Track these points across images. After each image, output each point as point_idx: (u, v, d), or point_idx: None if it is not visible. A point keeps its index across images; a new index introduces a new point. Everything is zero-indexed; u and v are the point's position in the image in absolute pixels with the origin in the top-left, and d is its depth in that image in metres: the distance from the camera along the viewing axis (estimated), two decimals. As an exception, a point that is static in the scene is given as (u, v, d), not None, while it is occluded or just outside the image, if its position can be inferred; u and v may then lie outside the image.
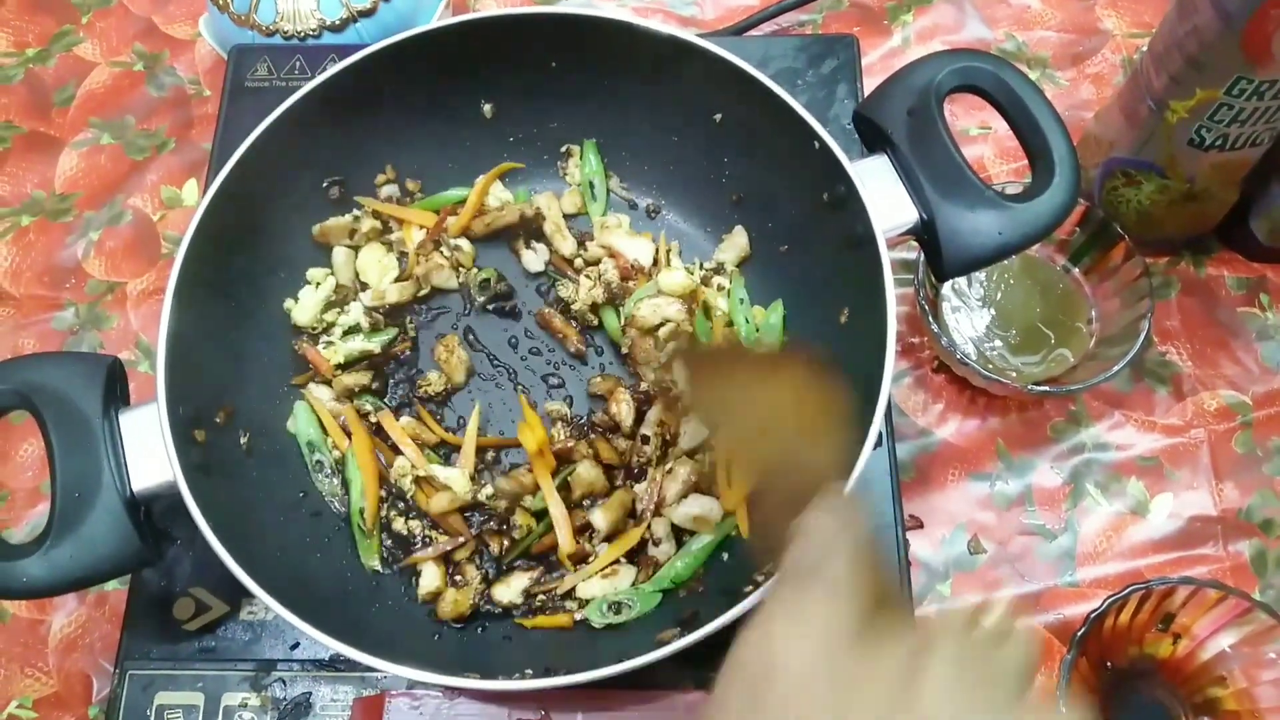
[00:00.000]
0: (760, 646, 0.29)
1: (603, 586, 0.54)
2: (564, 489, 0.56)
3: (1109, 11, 0.77)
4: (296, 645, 0.54)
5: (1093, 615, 0.51)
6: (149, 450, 0.46)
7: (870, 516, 0.44)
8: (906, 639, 0.29)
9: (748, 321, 0.60)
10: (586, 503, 0.56)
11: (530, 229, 0.64)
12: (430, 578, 0.54)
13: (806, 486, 0.35)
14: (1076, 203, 0.50)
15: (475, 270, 0.63)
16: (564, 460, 0.56)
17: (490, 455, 0.59)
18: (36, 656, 0.60)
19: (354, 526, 0.56)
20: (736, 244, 0.62)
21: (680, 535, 0.55)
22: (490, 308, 0.62)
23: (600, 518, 0.54)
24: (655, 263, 0.62)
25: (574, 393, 0.60)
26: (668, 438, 0.57)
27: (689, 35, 0.55)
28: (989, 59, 0.51)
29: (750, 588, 0.45)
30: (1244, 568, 0.60)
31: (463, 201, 0.63)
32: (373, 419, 0.59)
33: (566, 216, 0.65)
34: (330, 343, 0.60)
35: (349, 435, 0.57)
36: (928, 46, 0.76)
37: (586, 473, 0.56)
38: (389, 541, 0.56)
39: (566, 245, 0.63)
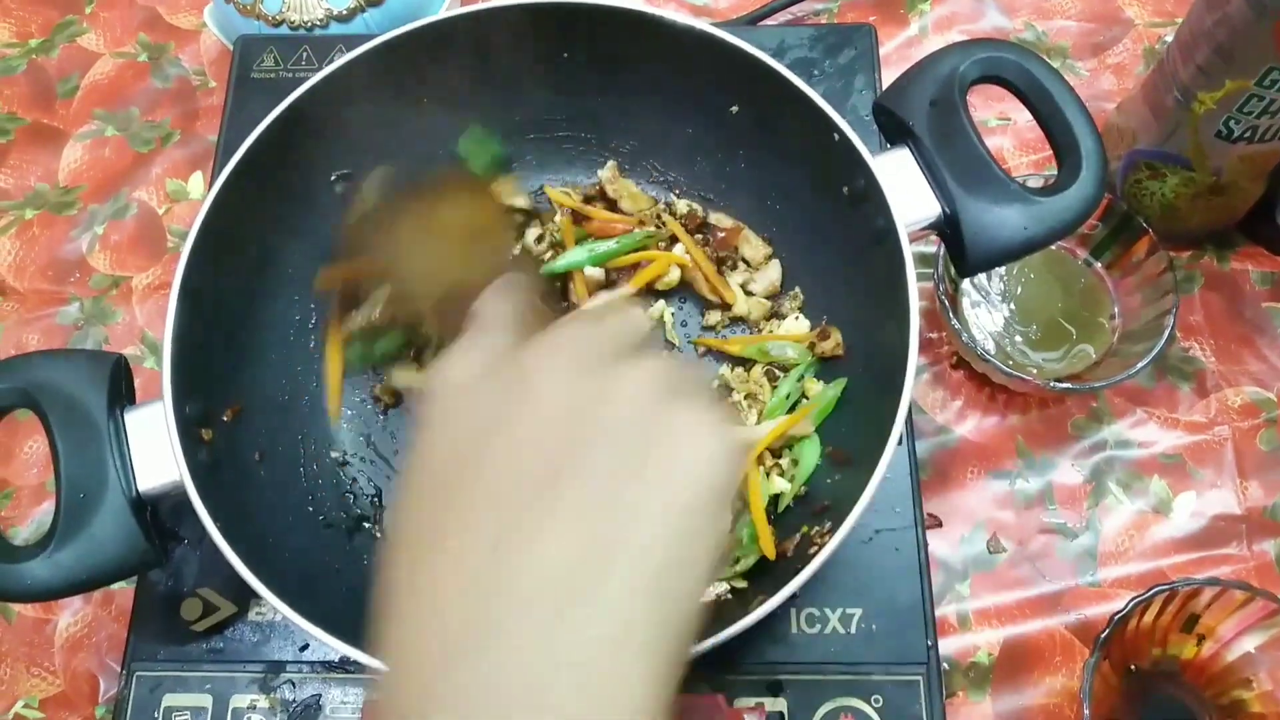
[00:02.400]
0: (431, 379, 0.33)
1: None
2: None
3: (1130, 0, 0.75)
4: (306, 646, 0.53)
5: (1116, 617, 0.50)
6: (155, 450, 0.45)
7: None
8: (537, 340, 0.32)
9: None
10: None
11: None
12: None
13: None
14: (1103, 197, 0.49)
15: None
16: None
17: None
18: (43, 656, 0.59)
19: None
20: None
21: None
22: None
23: None
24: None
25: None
26: None
27: (704, 25, 0.53)
28: (1014, 49, 0.50)
29: (761, 597, 0.44)
30: (1268, 567, 0.59)
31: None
32: None
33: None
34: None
35: None
36: (946, 36, 0.75)
37: None
38: None
39: None
